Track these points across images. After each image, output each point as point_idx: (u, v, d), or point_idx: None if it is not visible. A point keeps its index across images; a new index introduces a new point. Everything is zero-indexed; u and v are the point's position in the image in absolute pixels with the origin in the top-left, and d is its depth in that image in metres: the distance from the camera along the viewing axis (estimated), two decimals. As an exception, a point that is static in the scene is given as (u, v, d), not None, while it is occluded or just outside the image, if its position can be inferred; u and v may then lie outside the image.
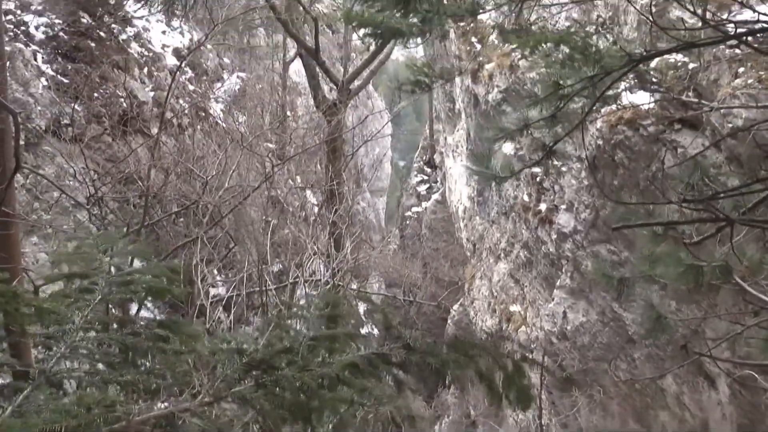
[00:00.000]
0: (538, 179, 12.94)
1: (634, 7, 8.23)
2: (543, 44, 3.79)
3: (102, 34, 15.60)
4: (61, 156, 11.93)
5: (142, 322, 3.28)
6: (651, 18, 3.99)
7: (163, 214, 12.25)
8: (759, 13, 4.11)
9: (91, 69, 14.50)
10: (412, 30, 3.71)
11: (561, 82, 3.65)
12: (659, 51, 4.11)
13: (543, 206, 12.87)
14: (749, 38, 4.24)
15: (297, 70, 25.11)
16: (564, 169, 11.99)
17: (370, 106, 33.46)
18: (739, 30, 3.98)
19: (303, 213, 16.43)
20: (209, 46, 20.75)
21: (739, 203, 4.08)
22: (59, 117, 12.83)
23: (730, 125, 8.17)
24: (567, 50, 3.69)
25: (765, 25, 3.71)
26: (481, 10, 4.37)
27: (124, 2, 16.99)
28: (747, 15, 8.83)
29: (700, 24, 4.59)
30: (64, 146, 12.42)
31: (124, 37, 16.53)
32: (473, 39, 16.05)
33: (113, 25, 16.27)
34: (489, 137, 4.18)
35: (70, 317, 3.00)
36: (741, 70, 8.59)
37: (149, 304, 9.09)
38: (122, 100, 14.60)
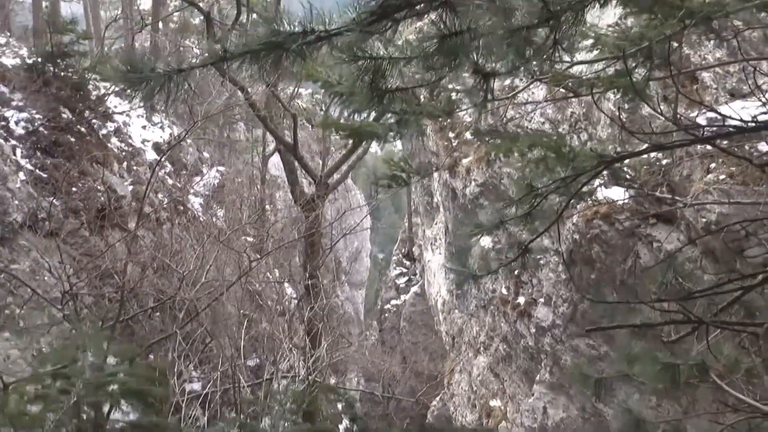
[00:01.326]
0: (516, 272, 12.98)
1: (602, 112, 8.42)
2: (516, 148, 3.87)
3: (82, 129, 15.70)
4: (36, 251, 11.83)
5: (116, 425, 3.22)
6: (619, 122, 4.08)
7: (139, 309, 12.11)
8: (723, 116, 4.22)
9: (70, 164, 14.53)
10: (387, 132, 3.78)
11: (534, 183, 3.72)
12: (629, 153, 4.20)
13: (521, 300, 12.88)
14: (717, 141, 4.34)
15: (276, 163, 25.33)
16: (542, 262, 12.05)
17: (348, 199, 33.67)
18: (707, 133, 4.08)
19: (280, 307, 16.29)
20: (189, 141, 20.94)
21: (713, 302, 4.11)
22: (36, 211, 12.78)
23: (704, 220, 8.28)
24: (541, 152, 3.76)
25: (731, 129, 3.82)
26: (456, 110, 4.46)
27: (105, 98, 17.19)
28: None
29: (670, 124, 4.70)
30: (41, 241, 12.33)
31: (104, 131, 16.66)
32: (450, 134, 16.32)
33: (94, 120, 16.41)
34: (465, 233, 4.22)
35: (43, 420, 2.94)
36: (713, 165, 8.77)
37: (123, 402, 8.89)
38: (100, 194, 14.60)
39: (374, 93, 3.44)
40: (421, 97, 4.10)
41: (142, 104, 12.47)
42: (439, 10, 3.14)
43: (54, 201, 12.89)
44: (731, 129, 3.87)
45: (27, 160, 14.04)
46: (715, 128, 4.13)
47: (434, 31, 3.13)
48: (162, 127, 19.74)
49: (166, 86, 2.97)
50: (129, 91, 2.94)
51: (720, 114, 4.27)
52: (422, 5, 3.06)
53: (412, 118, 3.80)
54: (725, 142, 5.56)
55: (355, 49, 3.24)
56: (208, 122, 20.69)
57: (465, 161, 15.21)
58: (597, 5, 3.24)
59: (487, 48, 3.04)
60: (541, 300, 11.98)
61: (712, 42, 9.77)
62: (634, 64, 4.98)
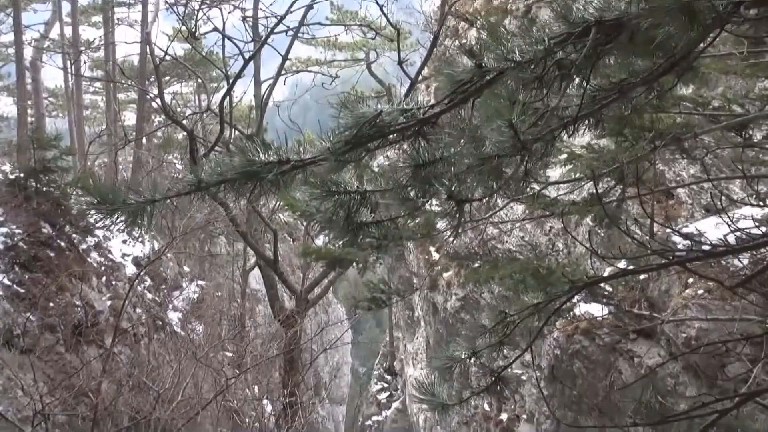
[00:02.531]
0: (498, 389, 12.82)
1: (574, 238, 8.54)
2: (493, 279, 3.89)
3: (62, 243, 15.66)
4: (9, 369, 11.60)
5: None
6: (590, 248, 4.13)
7: (114, 428, 11.81)
8: (693, 240, 4.29)
9: (48, 279, 14.42)
10: (367, 258, 3.80)
11: (507, 310, 3.73)
12: (601, 278, 4.23)
13: (504, 416, 12.70)
14: (689, 263, 4.39)
15: (257, 276, 25.24)
16: (524, 378, 11.95)
17: (329, 313, 33.47)
18: (679, 255, 4.13)
19: (258, 425, 15.94)
20: (169, 255, 20.89)
21: (692, 423, 4.07)
22: (12, 327, 12.60)
23: (684, 335, 8.29)
24: (519, 275, 3.79)
25: (700, 254, 3.87)
26: (435, 233, 4.50)
27: (87, 213, 17.20)
28: (692, 227, 9.22)
29: (646, 243, 4.76)
30: (15, 357, 12.11)
31: (84, 246, 16.61)
32: (431, 248, 16.42)
33: (74, 235, 16.38)
34: (437, 366, 4.19)
35: None
36: (690, 280, 8.84)
37: None
38: (78, 309, 14.44)
39: (350, 226, 3.49)
40: (399, 219, 4.14)
41: (124, 228, 12.48)
42: (412, 140, 3.21)
43: (30, 317, 12.73)
44: (701, 253, 3.92)
45: (4, 275, 13.93)
46: (685, 252, 4.17)
47: (407, 161, 3.19)
48: (143, 241, 19.72)
49: (141, 215, 2.99)
50: (106, 220, 2.96)
51: (692, 239, 4.33)
52: (395, 135, 3.12)
53: (391, 243, 3.83)
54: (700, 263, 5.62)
55: (330, 184, 3.29)
56: (188, 236, 20.72)
57: (445, 275, 15.25)
58: (565, 135, 3.32)
59: (459, 177, 3.10)
60: (524, 416, 11.82)
61: (685, 159, 10.01)
62: (606, 187, 5.10)
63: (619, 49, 2.91)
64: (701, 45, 3.20)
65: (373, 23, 20.37)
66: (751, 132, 7.23)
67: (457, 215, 3.17)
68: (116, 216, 2.89)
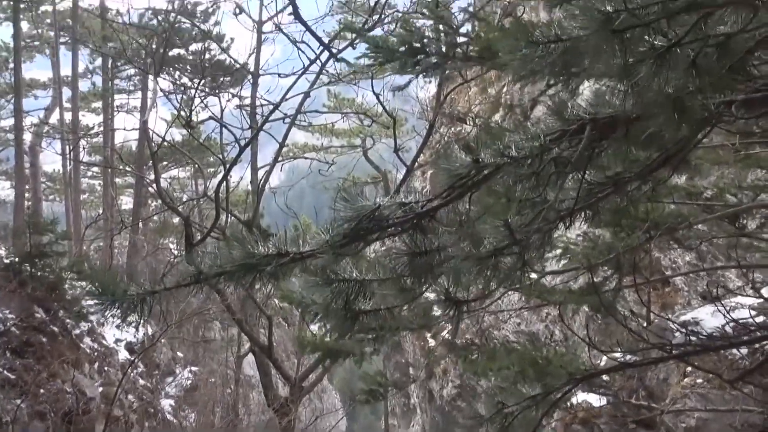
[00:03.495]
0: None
1: (571, 330, 8.54)
2: (491, 370, 3.88)
3: (55, 329, 15.53)
4: (-3, 458, 11.38)
5: None
6: (587, 341, 4.13)
7: None
8: (690, 332, 4.29)
9: (40, 365, 14.25)
10: (364, 349, 3.79)
11: (505, 401, 3.70)
12: (599, 371, 4.22)
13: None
14: (688, 357, 4.39)
15: (251, 362, 24.96)
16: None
17: (324, 400, 33.01)
18: (677, 347, 4.13)
19: None
20: (163, 340, 20.71)
21: None
22: (1, 415, 12.40)
23: (684, 425, 8.19)
24: (517, 367, 3.77)
25: (698, 348, 3.87)
26: (433, 323, 4.49)
27: (82, 298, 17.13)
28: (689, 315, 9.21)
29: (643, 333, 4.76)
30: (3, 446, 11.89)
31: (77, 331, 16.47)
32: (427, 334, 16.32)
33: (67, 321, 16.26)
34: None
35: None
36: (689, 369, 8.78)
37: None
38: (69, 396, 14.23)
39: (348, 314, 3.49)
40: (397, 308, 4.14)
41: (118, 322, 12.41)
42: (410, 232, 3.24)
43: (20, 404, 12.54)
44: (698, 346, 3.92)
45: (-4, 361, 13.78)
46: (683, 344, 4.17)
47: (405, 250, 3.21)
48: (137, 327, 19.57)
49: (141, 306, 2.99)
50: (106, 311, 2.96)
51: (688, 329, 4.33)
52: (393, 228, 3.15)
53: (388, 334, 3.83)
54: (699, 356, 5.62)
55: (329, 272, 3.31)
56: (183, 321, 20.57)
57: (442, 362, 15.12)
58: (563, 226, 3.35)
59: (456, 275, 3.12)
60: None
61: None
62: (603, 277, 5.12)
63: (614, 145, 2.96)
64: (695, 139, 3.27)
65: (369, 111, 20.67)
66: (744, 221, 7.29)
67: (456, 315, 3.18)
68: (116, 307, 2.89)
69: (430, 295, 4.38)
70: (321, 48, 13.41)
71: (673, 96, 2.39)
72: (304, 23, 11.72)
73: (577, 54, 2.76)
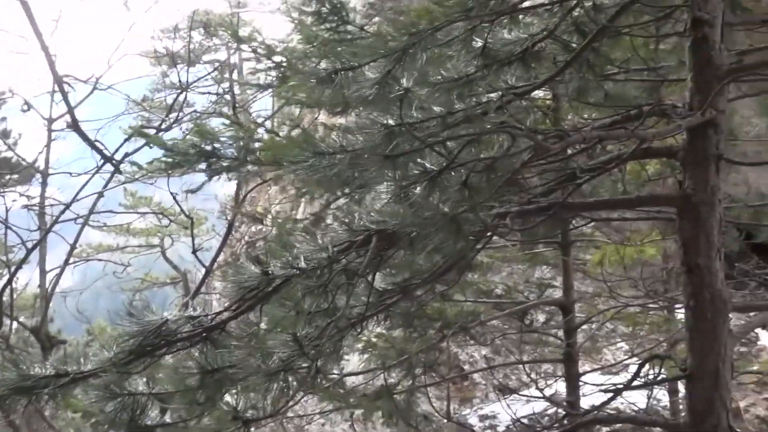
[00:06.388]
0: None
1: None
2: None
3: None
4: None
5: None
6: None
7: None
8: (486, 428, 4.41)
9: None
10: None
11: None
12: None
13: None
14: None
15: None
16: None
17: None
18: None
19: None
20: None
21: None
22: None
23: None
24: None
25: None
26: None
27: None
28: (487, 409, 9.48)
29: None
30: None
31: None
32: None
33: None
34: None
35: None
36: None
37: None
38: None
39: (134, 429, 3.30)
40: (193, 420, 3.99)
41: None
42: (200, 345, 3.15)
43: None
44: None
45: None
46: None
47: (194, 368, 3.12)
48: None
49: None
50: None
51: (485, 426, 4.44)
52: (182, 342, 3.06)
53: None
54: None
55: (113, 386, 3.13)
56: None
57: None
58: (355, 332, 3.38)
59: (245, 391, 3.06)
60: None
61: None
62: (399, 377, 5.19)
63: (399, 255, 3.05)
64: (477, 247, 3.42)
65: (167, 210, 20.22)
66: (532, 316, 7.69)
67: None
68: None
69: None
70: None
71: (449, 215, 2.51)
72: (82, 135, 11.34)
73: (361, 166, 2.85)
